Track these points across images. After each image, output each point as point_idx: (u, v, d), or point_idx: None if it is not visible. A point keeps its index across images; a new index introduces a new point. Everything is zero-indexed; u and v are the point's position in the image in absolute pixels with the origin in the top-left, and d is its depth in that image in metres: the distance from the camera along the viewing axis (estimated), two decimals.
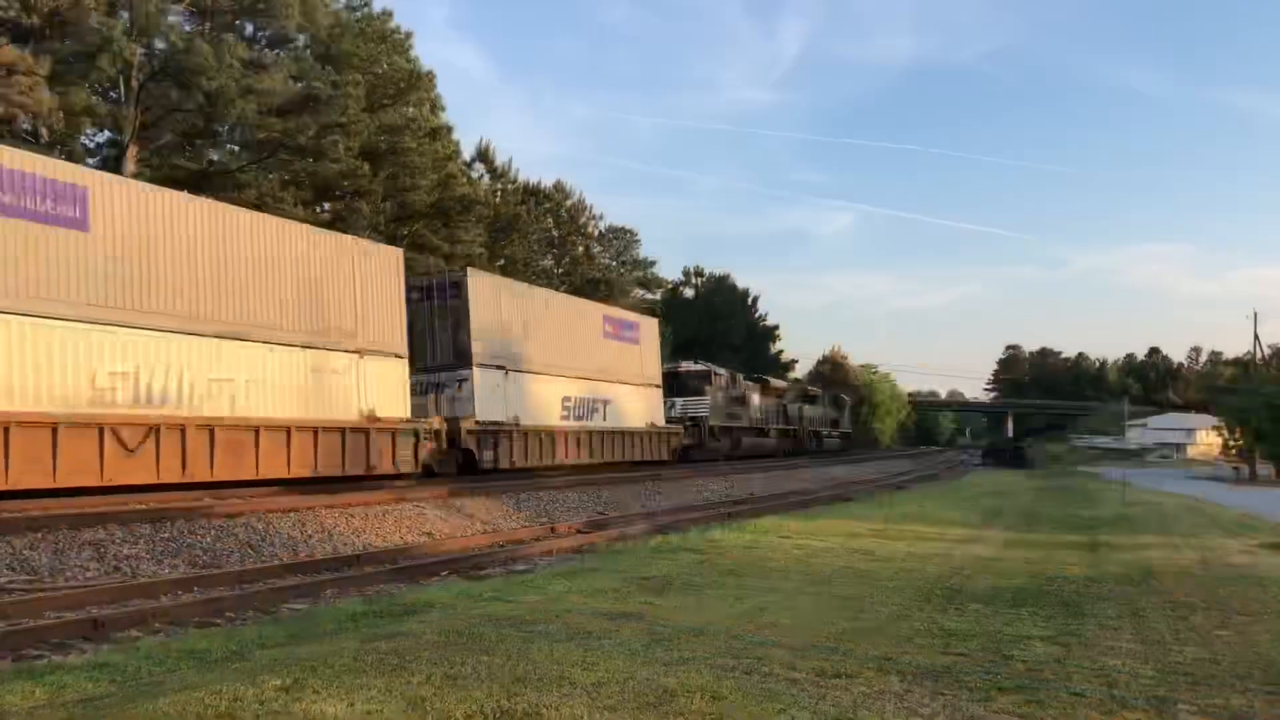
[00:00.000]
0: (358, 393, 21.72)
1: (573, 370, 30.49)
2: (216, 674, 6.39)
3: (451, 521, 19.00)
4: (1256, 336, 64.99)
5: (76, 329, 16.01)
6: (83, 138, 31.28)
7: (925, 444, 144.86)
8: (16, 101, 23.53)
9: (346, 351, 21.63)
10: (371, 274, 22.62)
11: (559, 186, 62.72)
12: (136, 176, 29.78)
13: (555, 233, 61.55)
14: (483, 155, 56.56)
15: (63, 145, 29.94)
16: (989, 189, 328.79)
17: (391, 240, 39.40)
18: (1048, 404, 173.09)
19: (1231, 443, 70.23)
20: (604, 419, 32.33)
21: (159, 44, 28.81)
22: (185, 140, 32.32)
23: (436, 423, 23.82)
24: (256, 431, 18.91)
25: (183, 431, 17.49)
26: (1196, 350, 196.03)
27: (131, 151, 29.41)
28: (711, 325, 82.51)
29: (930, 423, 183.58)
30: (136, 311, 17.04)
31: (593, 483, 25.91)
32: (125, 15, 27.22)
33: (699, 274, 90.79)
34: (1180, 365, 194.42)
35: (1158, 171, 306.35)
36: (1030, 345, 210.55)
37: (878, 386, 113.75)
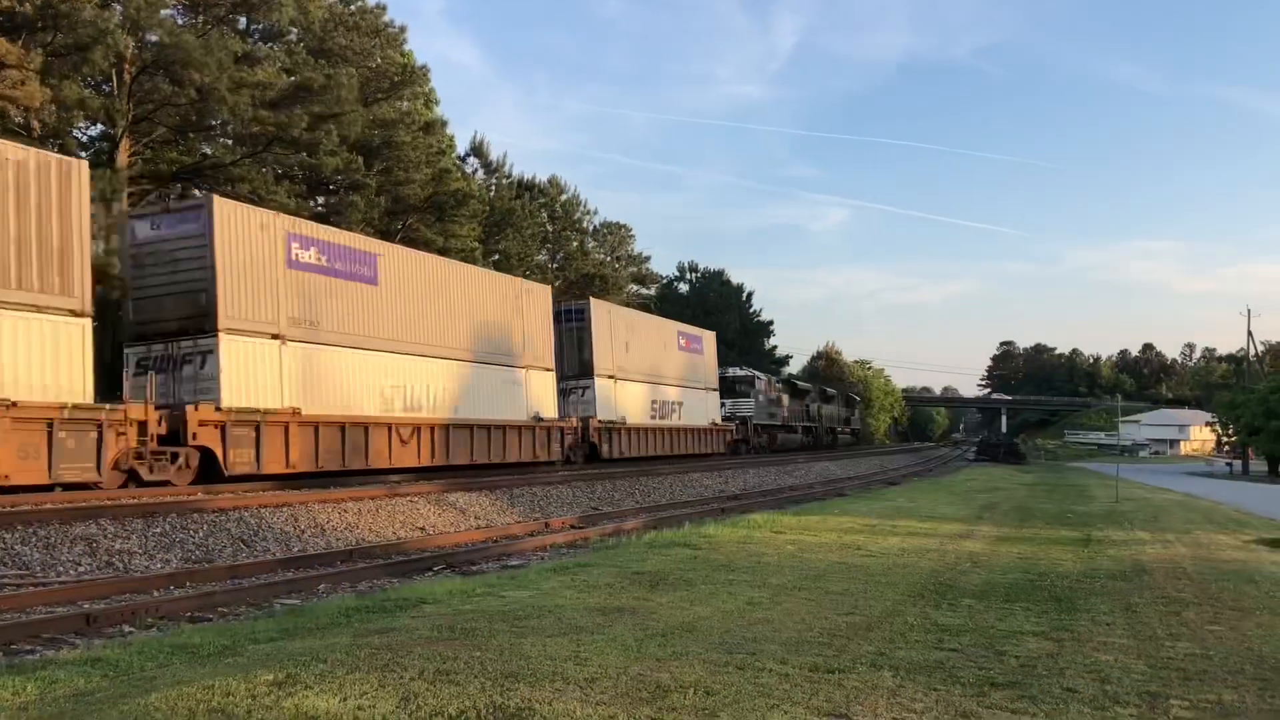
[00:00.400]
0: (527, 399, 29.17)
1: (658, 378, 37.64)
2: (209, 669, 6.37)
3: (445, 517, 18.99)
4: (1250, 333, 65.18)
5: (374, 356, 23.27)
6: (75, 131, 31.16)
7: (919, 440, 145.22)
8: (8, 95, 23.41)
9: (520, 367, 29.11)
10: (532, 306, 30.17)
11: (554, 181, 62.72)
12: (129, 170, 29.71)
13: (550, 228, 61.49)
14: (477, 150, 56.51)
15: (55, 138, 29.81)
16: (983, 185, 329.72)
17: (385, 234, 39.38)
18: (1041, 400, 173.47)
19: (1225, 439, 70.51)
20: (679, 418, 39.86)
21: (151, 37, 28.68)
22: (178, 134, 32.19)
23: (574, 422, 31.35)
24: (471, 429, 26.32)
25: (433, 429, 24.82)
26: (1190, 346, 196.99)
27: (124, 145, 29.30)
28: (705, 320, 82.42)
29: (924, 419, 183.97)
30: (404, 342, 24.25)
31: (586, 478, 25.94)
32: (119, 8, 27.08)
33: (693, 269, 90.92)
34: (1174, 361, 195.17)
35: (1151, 168, 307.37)
36: (1024, 341, 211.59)
37: (871, 383, 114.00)
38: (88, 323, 16.86)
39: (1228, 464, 68.74)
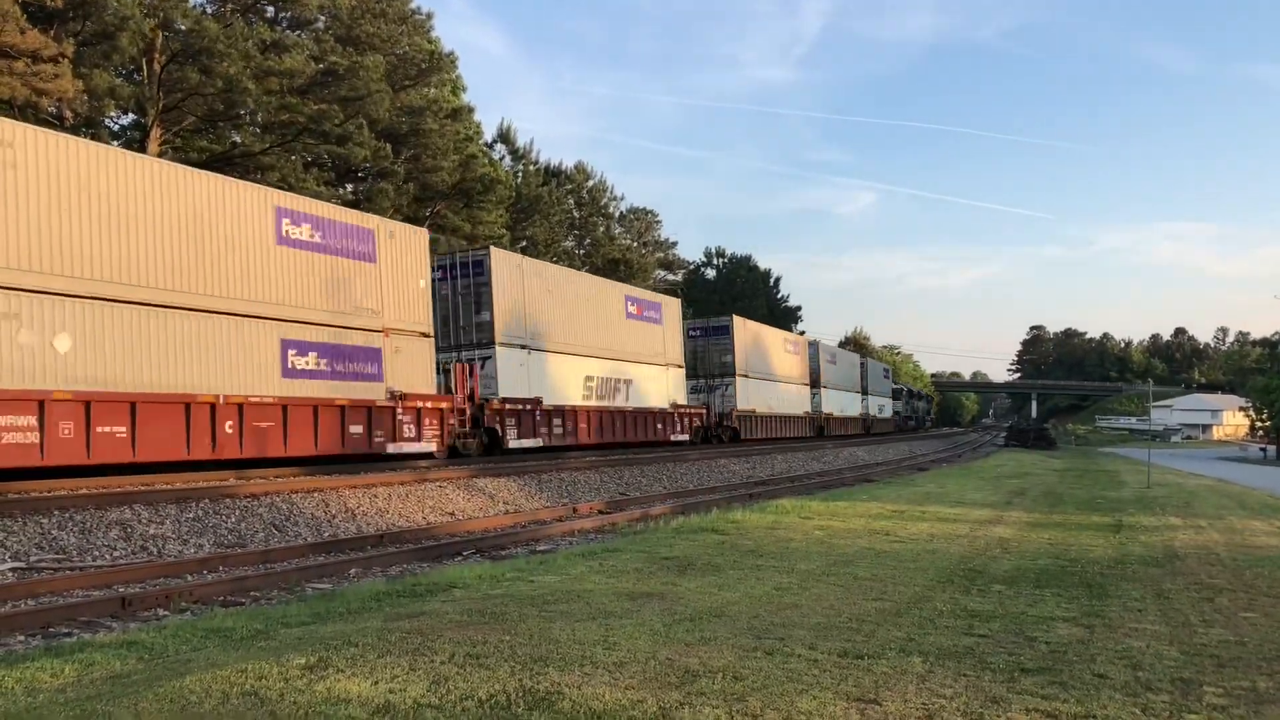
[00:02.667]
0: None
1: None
2: (242, 652, 6.45)
3: (474, 502, 19.09)
4: None
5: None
6: (107, 120, 31.45)
7: (948, 425, 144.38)
8: (40, 88, 23.64)
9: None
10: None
11: (580, 168, 62.66)
12: (160, 157, 29.97)
13: (576, 214, 61.47)
14: (504, 136, 56.52)
15: (88, 127, 30.10)
16: (1012, 167, 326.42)
17: (414, 220, 39.53)
18: (1072, 385, 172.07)
19: (1259, 424, 69.68)
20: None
21: (180, 25, 28.87)
22: (207, 122, 32.40)
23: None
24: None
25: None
26: (1223, 330, 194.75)
27: (155, 133, 29.54)
28: (733, 305, 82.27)
29: (953, 404, 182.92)
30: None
31: (613, 463, 25.99)
32: None
33: (720, 255, 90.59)
34: (1206, 346, 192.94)
35: (1183, 148, 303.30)
36: (1054, 326, 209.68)
37: (900, 368, 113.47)
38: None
39: (1261, 449, 67.96)
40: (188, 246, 17.30)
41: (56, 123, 27.49)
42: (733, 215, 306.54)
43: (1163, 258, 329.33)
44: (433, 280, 24.17)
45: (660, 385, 35.45)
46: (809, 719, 5.09)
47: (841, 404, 59.55)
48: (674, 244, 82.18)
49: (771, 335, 48.36)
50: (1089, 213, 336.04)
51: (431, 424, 22.57)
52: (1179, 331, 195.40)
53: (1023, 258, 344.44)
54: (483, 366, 25.91)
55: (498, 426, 25.61)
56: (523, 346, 27.17)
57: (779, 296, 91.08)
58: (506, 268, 26.98)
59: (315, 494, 16.74)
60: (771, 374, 45.77)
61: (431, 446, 22.57)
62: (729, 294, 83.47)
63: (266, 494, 16.05)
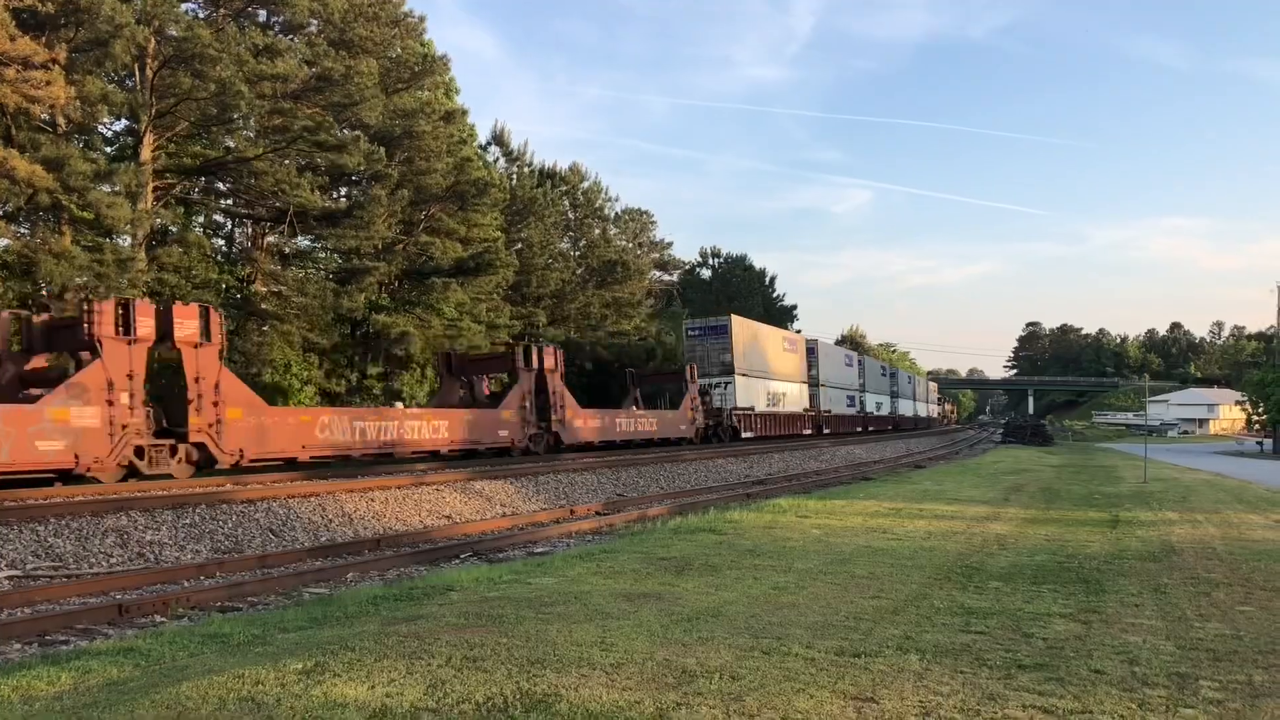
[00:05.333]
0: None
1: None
2: (239, 658, 6.44)
3: (471, 504, 19.08)
4: None
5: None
6: (100, 126, 31.37)
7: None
8: (32, 95, 23.57)
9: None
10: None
11: (574, 169, 62.49)
12: (154, 164, 29.91)
13: (571, 216, 61.37)
14: (498, 139, 56.39)
15: (80, 134, 30.03)
16: (1006, 165, 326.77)
17: (409, 224, 39.48)
18: (1068, 381, 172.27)
19: (1255, 417, 69.79)
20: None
21: (172, 30, 28.79)
22: (201, 127, 32.32)
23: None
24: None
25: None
26: (1219, 325, 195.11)
27: (148, 139, 29.45)
28: (729, 305, 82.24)
29: (949, 401, 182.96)
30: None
31: (610, 465, 25.99)
32: (138, 2, 27.18)
33: (715, 255, 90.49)
34: (1202, 340, 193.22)
35: (1176, 143, 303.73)
36: (1050, 322, 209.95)
37: (897, 366, 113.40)
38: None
39: (1258, 443, 68.09)
40: None
41: (49, 129, 27.44)
42: (728, 215, 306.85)
43: (1157, 253, 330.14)
44: (689, 335, 44.18)
45: (798, 396, 51.44)
46: (806, 718, 5.10)
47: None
48: (669, 244, 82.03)
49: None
50: (1083, 209, 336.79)
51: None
52: (1174, 326, 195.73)
53: (1018, 254, 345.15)
54: (724, 388, 41.88)
55: (737, 424, 41.47)
56: (744, 374, 43.04)
57: (775, 296, 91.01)
58: (738, 326, 43.60)
59: (312, 499, 16.73)
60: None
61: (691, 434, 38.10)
62: (725, 294, 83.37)
63: (263, 499, 16.03)
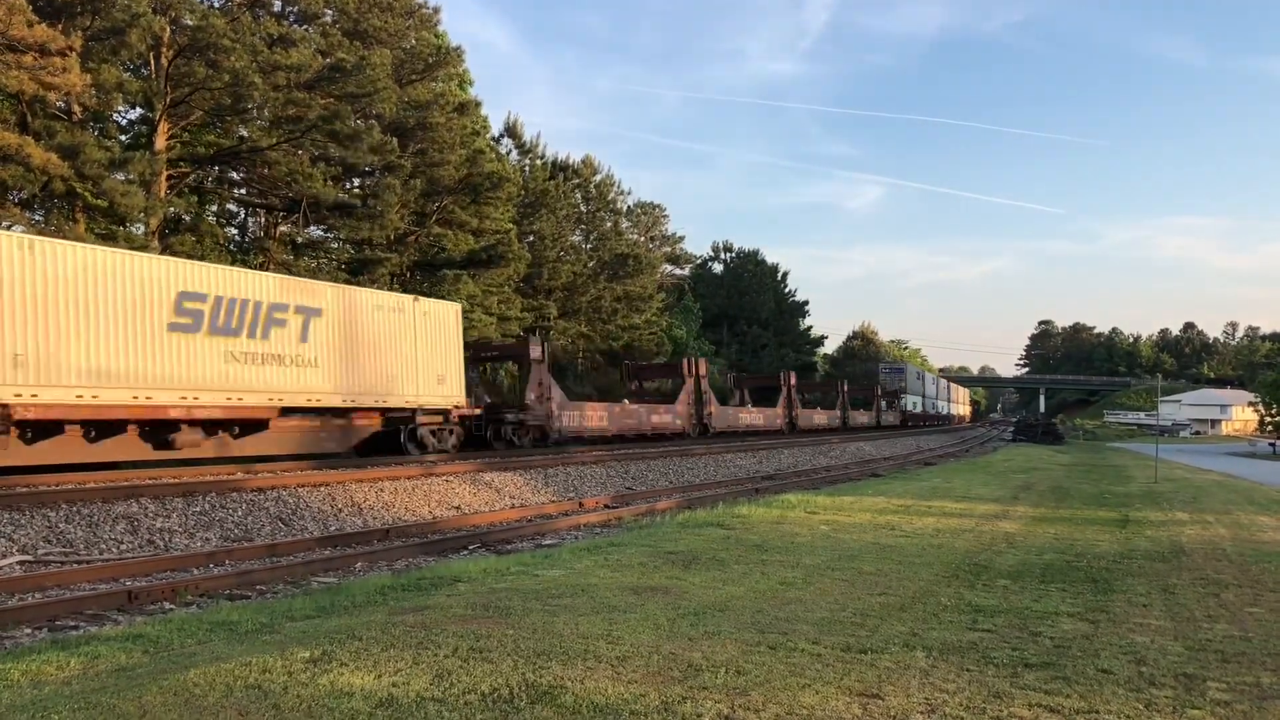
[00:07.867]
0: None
1: None
2: (246, 646, 6.47)
3: (480, 496, 19.12)
4: None
5: None
6: (115, 114, 31.48)
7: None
8: (48, 82, 23.66)
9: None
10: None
11: (587, 162, 62.48)
12: (167, 153, 29.99)
13: (583, 209, 61.36)
14: (510, 131, 56.40)
15: (95, 122, 30.14)
16: (1020, 162, 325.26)
17: (421, 216, 39.53)
18: (1080, 380, 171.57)
19: (1268, 419, 69.43)
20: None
21: (187, 20, 28.85)
22: (215, 116, 32.39)
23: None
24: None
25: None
26: (1233, 325, 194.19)
27: (162, 128, 29.54)
28: (740, 300, 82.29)
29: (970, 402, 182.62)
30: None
31: (619, 458, 26.01)
32: None
33: (728, 249, 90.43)
34: (1215, 340, 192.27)
35: (1191, 142, 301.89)
36: (1063, 320, 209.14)
37: (908, 363, 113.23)
38: None
39: (1270, 444, 67.71)
40: None
41: (64, 117, 27.54)
42: (740, 209, 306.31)
43: (1171, 252, 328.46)
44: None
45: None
46: (811, 713, 5.09)
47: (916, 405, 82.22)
48: (681, 238, 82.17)
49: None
50: (1097, 207, 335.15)
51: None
52: (1188, 326, 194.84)
53: (1031, 252, 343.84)
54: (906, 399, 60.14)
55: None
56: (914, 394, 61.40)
57: (786, 291, 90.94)
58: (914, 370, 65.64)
59: (322, 488, 16.78)
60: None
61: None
62: (736, 288, 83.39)
63: (273, 488, 16.10)
